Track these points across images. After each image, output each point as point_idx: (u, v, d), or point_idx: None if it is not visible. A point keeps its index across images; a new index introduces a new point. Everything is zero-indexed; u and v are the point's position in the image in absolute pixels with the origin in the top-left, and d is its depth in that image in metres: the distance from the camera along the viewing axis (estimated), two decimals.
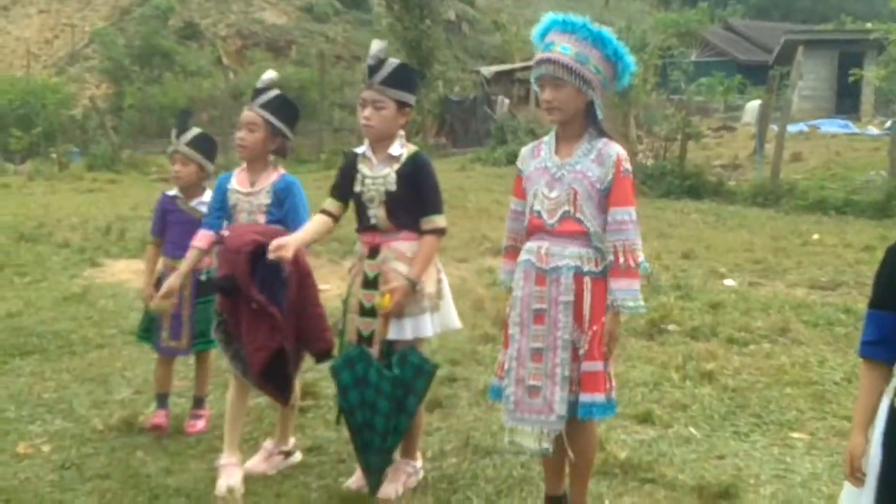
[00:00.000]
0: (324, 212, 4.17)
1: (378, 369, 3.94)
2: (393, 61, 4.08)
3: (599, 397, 3.48)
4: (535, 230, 3.59)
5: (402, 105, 4.06)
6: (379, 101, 4.03)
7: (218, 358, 4.80)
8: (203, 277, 4.79)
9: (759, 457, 4.63)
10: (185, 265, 4.49)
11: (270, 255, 3.83)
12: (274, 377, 4.15)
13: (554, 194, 3.52)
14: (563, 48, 3.44)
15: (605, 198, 3.48)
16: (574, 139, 3.57)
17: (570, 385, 3.49)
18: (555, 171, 3.55)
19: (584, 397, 3.49)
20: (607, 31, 3.51)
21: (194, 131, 4.99)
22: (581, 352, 3.49)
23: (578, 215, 3.48)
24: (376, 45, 4.12)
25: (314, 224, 4.16)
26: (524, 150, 3.78)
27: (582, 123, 3.56)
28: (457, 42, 38.59)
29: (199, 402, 5.05)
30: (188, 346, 4.93)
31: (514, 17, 42.10)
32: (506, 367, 3.62)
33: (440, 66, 29.24)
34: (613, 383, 3.62)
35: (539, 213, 3.56)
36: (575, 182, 3.49)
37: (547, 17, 3.58)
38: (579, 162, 3.51)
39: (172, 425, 4.96)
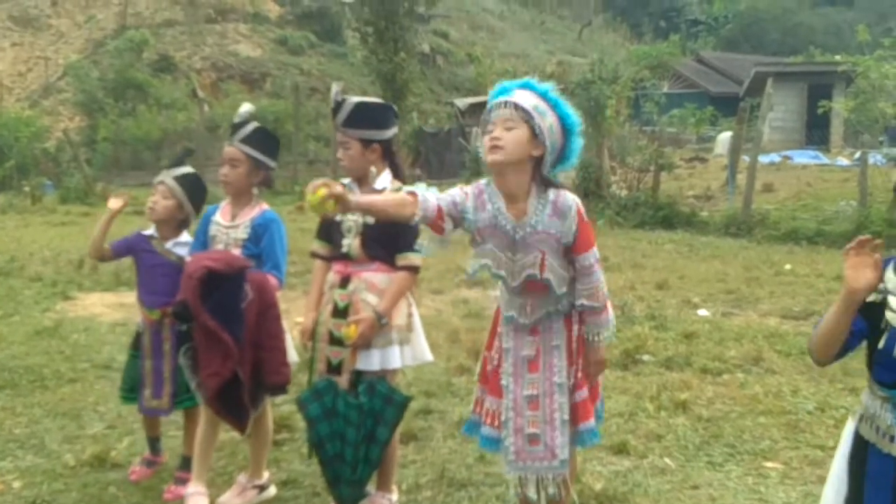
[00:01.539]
0: (316, 255, 4.28)
1: (345, 398, 3.96)
2: (351, 101, 4.11)
3: (592, 423, 3.56)
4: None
5: (367, 142, 4.09)
6: (344, 141, 4.12)
7: None
8: (184, 328, 4.38)
9: (734, 487, 4.65)
10: None
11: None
12: (228, 405, 4.14)
13: (518, 257, 3.42)
14: (524, 98, 3.35)
15: (569, 249, 3.42)
16: (522, 195, 3.40)
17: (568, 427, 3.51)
18: (513, 233, 3.41)
19: (582, 427, 3.54)
20: (567, 104, 3.44)
21: (186, 169, 4.79)
22: (571, 384, 3.52)
23: (546, 276, 3.40)
24: (333, 88, 4.19)
25: (318, 275, 4.28)
26: (470, 194, 3.45)
27: (530, 177, 3.40)
28: (431, 74, 38.76)
29: (186, 464, 4.59)
30: (170, 404, 4.64)
31: (488, 49, 42.41)
32: (502, 418, 3.57)
33: (415, 98, 29.31)
34: (601, 395, 3.75)
35: (503, 277, 3.47)
36: (541, 244, 3.39)
37: (504, 83, 3.46)
38: (539, 221, 3.38)
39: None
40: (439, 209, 3.33)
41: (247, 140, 4.37)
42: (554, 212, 3.38)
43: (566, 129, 3.40)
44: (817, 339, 2.71)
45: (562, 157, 3.45)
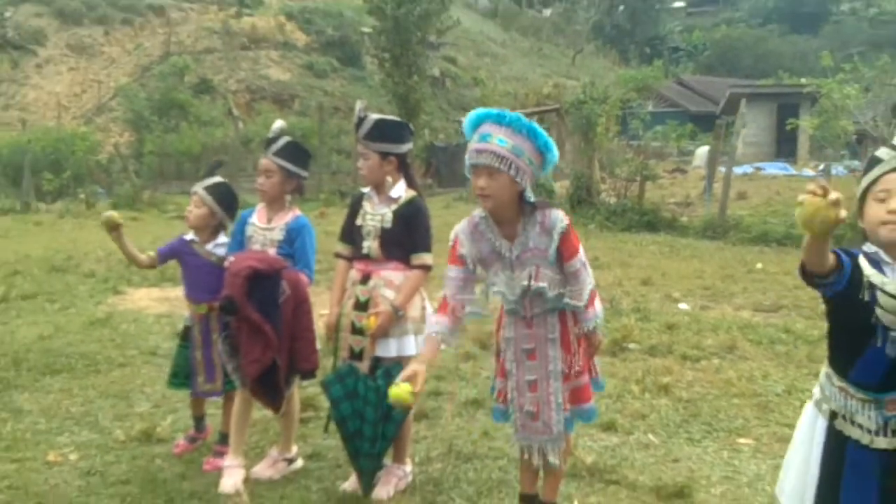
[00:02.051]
0: (339, 256, 4.29)
1: (365, 382, 3.98)
2: (371, 118, 4.13)
3: (587, 405, 3.59)
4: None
5: (384, 154, 4.11)
6: (364, 153, 4.15)
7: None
8: (228, 320, 4.35)
9: (710, 460, 4.64)
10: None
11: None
12: (266, 387, 4.15)
13: (516, 274, 3.42)
14: (500, 140, 3.27)
15: (559, 258, 3.41)
16: (514, 221, 3.41)
17: (563, 407, 3.52)
18: (509, 255, 3.42)
19: (586, 406, 3.59)
20: (536, 125, 3.40)
21: (215, 179, 4.74)
22: (575, 370, 3.52)
23: (539, 284, 3.39)
24: (357, 106, 4.21)
25: (341, 273, 4.28)
26: (462, 233, 3.51)
27: (516, 207, 3.40)
28: (441, 95, 38.81)
29: (224, 439, 4.62)
30: (222, 387, 4.64)
31: (492, 73, 42.42)
32: (508, 396, 3.61)
33: (426, 116, 29.34)
34: (598, 371, 3.74)
35: (503, 294, 3.47)
36: (534, 259, 3.40)
37: (479, 111, 3.42)
38: (529, 238, 3.39)
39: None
40: (454, 317, 3.49)
41: (279, 153, 4.37)
42: (542, 230, 3.38)
43: (541, 150, 3.36)
44: (803, 251, 2.48)
45: (542, 167, 3.41)
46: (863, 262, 2.53)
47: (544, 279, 3.40)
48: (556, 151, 3.42)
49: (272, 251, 4.28)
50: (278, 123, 4.53)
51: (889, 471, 2.54)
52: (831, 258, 2.41)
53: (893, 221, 2.48)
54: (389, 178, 4.15)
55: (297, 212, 4.45)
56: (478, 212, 3.49)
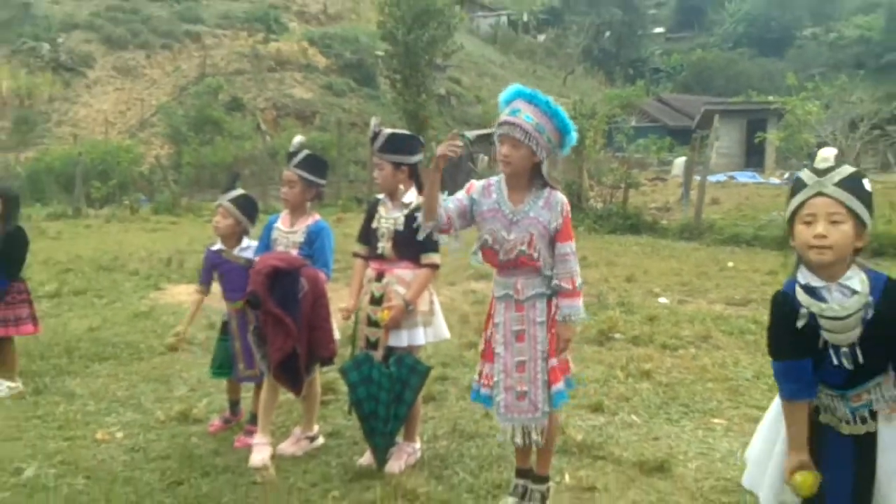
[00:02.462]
0: (357, 255, 4.30)
1: (379, 369, 3.99)
2: (386, 132, 4.18)
3: (559, 386, 3.54)
4: (487, 260, 3.57)
5: (397, 165, 4.12)
6: (379, 163, 4.16)
7: None
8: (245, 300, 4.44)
9: (687, 438, 4.64)
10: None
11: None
12: (287, 373, 4.15)
13: (512, 236, 3.47)
14: (527, 117, 3.40)
15: (554, 236, 3.47)
16: (524, 189, 3.51)
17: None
18: (511, 216, 3.48)
19: (554, 388, 3.52)
20: (562, 109, 3.49)
21: (238, 191, 4.76)
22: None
23: (534, 254, 3.44)
24: (373, 122, 4.29)
25: (358, 270, 4.30)
26: (478, 185, 3.62)
27: (530, 177, 3.51)
28: (447, 112, 38.73)
29: (254, 419, 4.55)
30: (260, 373, 4.58)
31: (493, 92, 42.13)
32: (494, 378, 3.58)
33: (433, 130, 29.26)
34: (571, 369, 3.69)
35: (497, 251, 3.51)
36: (531, 227, 3.45)
37: (515, 87, 3.54)
38: (532, 209, 3.47)
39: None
40: (448, 219, 3.51)
41: (300, 165, 4.38)
42: (545, 205, 3.47)
43: (560, 131, 3.47)
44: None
45: (561, 145, 3.52)
46: (799, 293, 2.51)
47: (538, 251, 3.44)
48: (574, 134, 3.50)
49: (295, 252, 4.29)
50: (298, 138, 4.55)
51: (862, 458, 2.54)
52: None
53: (818, 246, 2.44)
54: (402, 186, 4.16)
55: (317, 216, 4.46)
56: (495, 178, 3.59)
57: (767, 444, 2.80)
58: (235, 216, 4.67)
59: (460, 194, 3.60)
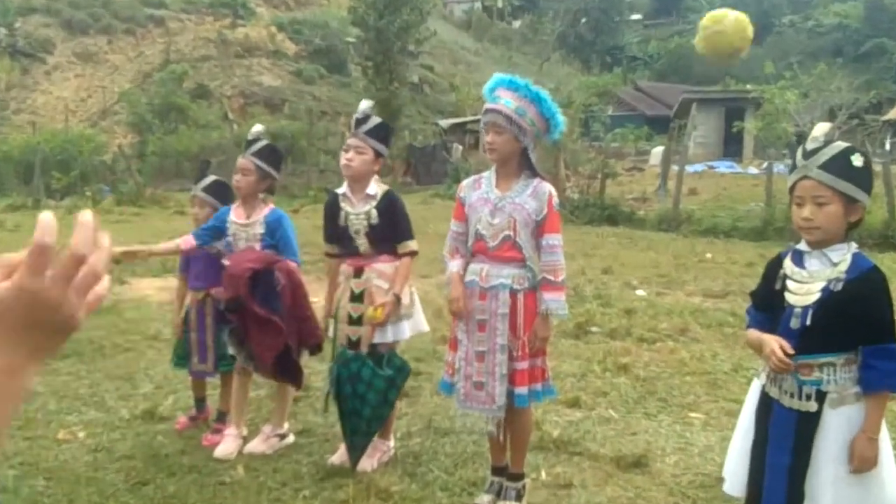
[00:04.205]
0: (329, 255, 4.30)
1: (372, 368, 3.97)
2: (377, 119, 4.15)
3: (523, 389, 3.55)
4: (479, 252, 3.60)
5: (377, 154, 4.10)
6: (361, 147, 4.08)
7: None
8: (223, 307, 4.38)
9: (665, 433, 4.67)
10: (160, 248, 4.64)
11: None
12: (286, 369, 4.20)
13: (496, 221, 3.53)
14: (507, 101, 3.46)
15: (539, 226, 3.52)
16: (512, 177, 3.57)
17: (507, 381, 3.53)
18: (497, 202, 3.54)
19: (518, 390, 3.55)
20: (545, 93, 3.55)
21: (210, 179, 4.75)
22: (515, 354, 3.53)
23: (518, 240, 3.49)
24: (365, 104, 4.21)
25: (332, 269, 4.30)
26: (466, 182, 3.77)
27: (518, 165, 3.57)
28: (420, 100, 38.63)
29: (221, 417, 4.67)
30: (213, 368, 4.66)
31: (466, 79, 42.18)
32: (456, 366, 3.65)
33: (406, 119, 29.30)
34: (548, 373, 3.70)
35: (483, 236, 3.57)
36: (514, 212, 3.51)
37: (496, 76, 3.61)
38: (518, 196, 3.53)
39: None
40: (461, 256, 3.70)
41: (257, 154, 4.38)
42: (532, 193, 3.53)
43: (545, 116, 3.54)
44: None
45: (548, 131, 3.60)
46: (788, 259, 2.69)
47: (521, 238, 3.48)
48: (560, 118, 3.57)
49: (256, 245, 4.29)
50: (257, 127, 4.56)
51: (800, 436, 2.62)
52: None
53: (805, 228, 2.59)
54: (375, 176, 4.15)
55: (272, 205, 4.46)
56: (487, 172, 3.68)
57: (745, 440, 2.85)
58: (212, 204, 4.66)
59: (454, 226, 3.70)
